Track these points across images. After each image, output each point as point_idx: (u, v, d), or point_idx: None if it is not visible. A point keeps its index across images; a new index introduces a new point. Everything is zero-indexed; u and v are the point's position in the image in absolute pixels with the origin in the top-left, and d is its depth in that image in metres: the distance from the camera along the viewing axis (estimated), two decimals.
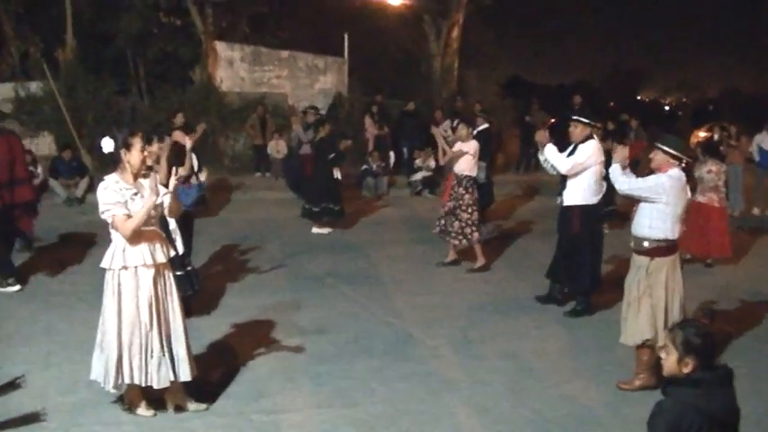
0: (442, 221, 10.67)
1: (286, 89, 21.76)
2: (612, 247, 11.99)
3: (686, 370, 3.75)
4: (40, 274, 10.16)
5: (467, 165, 10.53)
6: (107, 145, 5.98)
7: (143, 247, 5.74)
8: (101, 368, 5.86)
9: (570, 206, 8.80)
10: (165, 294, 5.91)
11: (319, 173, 13.27)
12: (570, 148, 8.79)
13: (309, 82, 22.11)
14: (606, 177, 8.92)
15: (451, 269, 10.78)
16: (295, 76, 21.96)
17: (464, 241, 10.59)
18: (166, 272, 5.95)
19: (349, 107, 21.35)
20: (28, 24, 21.65)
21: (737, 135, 16.25)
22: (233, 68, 21.40)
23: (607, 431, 5.89)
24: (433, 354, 7.65)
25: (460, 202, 10.49)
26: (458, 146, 10.60)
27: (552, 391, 6.76)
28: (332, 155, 13.14)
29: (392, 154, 19.13)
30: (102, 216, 5.70)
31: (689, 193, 6.99)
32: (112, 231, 5.75)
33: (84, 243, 11.55)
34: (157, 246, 5.85)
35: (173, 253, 6.21)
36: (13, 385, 6.44)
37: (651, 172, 6.93)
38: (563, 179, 9.01)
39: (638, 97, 54.19)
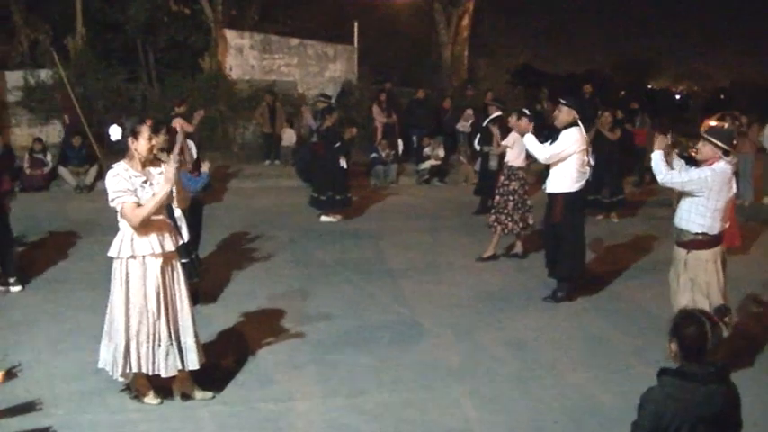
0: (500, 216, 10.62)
1: (295, 77, 21.73)
2: (622, 236, 12.03)
3: (671, 355, 3.75)
4: (47, 262, 10.19)
5: (511, 155, 10.66)
6: (115, 132, 6.02)
7: (152, 237, 5.74)
8: (108, 356, 5.89)
9: (553, 194, 8.81)
10: (173, 283, 5.92)
11: (326, 162, 13.24)
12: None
13: (319, 70, 22.07)
14: (591, 165, 8.89)
15: (459, 258, 10.76)
16: (305, 64, 21.93)
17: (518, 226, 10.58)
18: (174, 261, 5.96)
19: (359, 95, 21.31)
20: (38, 13, 21.66)
21: (748, 124, 16.12)
22: (242, 56, 21.37)
23: (613, 421, 5.87)
24: (440, 343, 7.65)
25: (502, 190, 10.58)
26: (510, 137, 10.64)
27: (558, 381, 6.75)
28: (338, 144, 13.14)
29: (401, 142, 19.10)
30: (112, 204, 5.70)
31: (734, 187, 6.73)
32: (121, 220, 5.76)
33: (92, 231, 11.57)
34: (166, 235, 5.85)
35: (180, 242, 6.22)
36: (10, 374, 6.46)
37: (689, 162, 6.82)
38: (547, 167, 9.03)
39: (649, 86, 53.87)
